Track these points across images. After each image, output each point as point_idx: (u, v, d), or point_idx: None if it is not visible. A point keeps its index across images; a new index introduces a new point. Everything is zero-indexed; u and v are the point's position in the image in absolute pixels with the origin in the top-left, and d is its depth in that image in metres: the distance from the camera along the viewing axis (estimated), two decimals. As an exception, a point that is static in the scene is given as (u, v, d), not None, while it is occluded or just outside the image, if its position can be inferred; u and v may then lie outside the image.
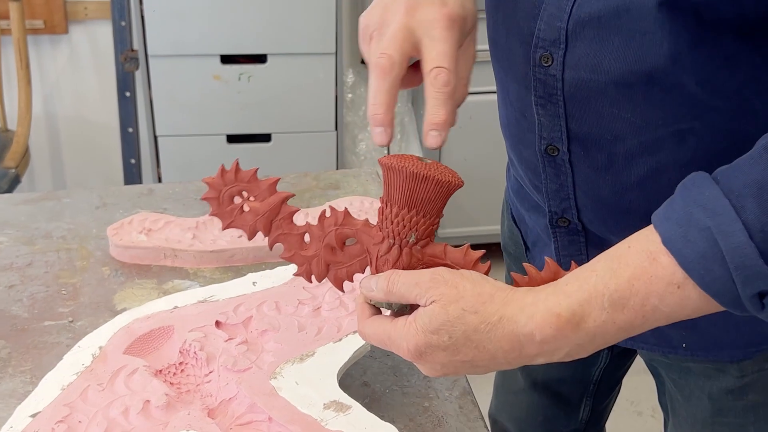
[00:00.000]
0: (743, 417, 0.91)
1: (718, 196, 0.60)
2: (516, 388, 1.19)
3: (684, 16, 0.66)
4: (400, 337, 0.68)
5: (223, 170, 0.80)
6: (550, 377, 1.15)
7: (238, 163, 0.80)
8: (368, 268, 0.76)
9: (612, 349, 1.10)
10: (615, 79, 0.72)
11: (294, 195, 0.81)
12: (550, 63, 0.75)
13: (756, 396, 0.89)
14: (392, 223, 0.72)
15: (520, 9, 0.76)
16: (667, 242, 0.62)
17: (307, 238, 0.78)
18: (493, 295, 0.66)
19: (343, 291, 0.79)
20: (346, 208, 0.77)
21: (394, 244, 0.73)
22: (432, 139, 0.71)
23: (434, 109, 0.70)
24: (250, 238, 0.80)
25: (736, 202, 0.59)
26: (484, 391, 1.09)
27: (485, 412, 1.01)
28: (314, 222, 0.78)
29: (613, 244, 0.66)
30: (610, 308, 0.63)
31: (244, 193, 0.80)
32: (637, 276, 0.63)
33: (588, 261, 0.67)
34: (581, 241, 0.87)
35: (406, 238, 0.72)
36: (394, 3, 0.73)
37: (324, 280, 0.78)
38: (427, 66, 0.70)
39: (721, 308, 0.63)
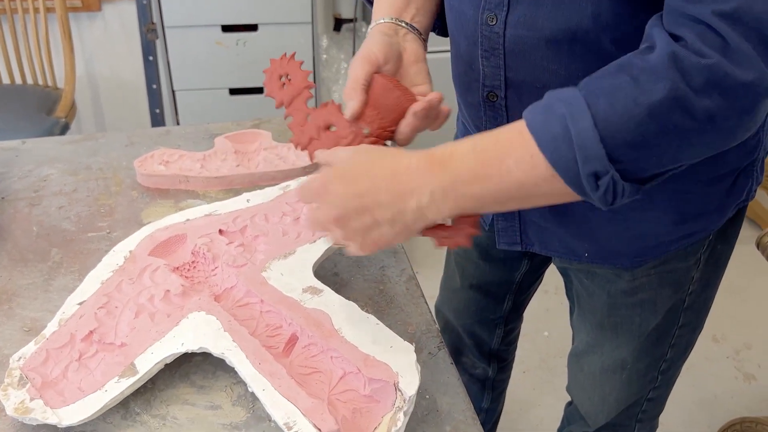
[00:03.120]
0: (632, 310, 0.92)
1: (576, 94, 0.59)
2: (456, 287, 1.18)
3: None
4: (314, 178, 0.68)
5: (283, 57, 0.83)
6: (483, 281, 1.14)
7: (294, 55, 0.82)
8: None
9: (532, 258, 1.09)
10: (547, 36, 0.70)
11: (315, 86, 0.83)
12: (494, 22, 0.73)
13: (643, 295, 0.90)
14: (359, 119, 0.75)
15: None
16: (529, 125, 0.61)
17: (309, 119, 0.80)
18: (391, 149, 0.68)
19: (312, 161, 0.78)
20: (339, 105, 0.78)
21: (354, 132, 0.75)
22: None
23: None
24: (277, 106, 0.82)
25: (590, 99, 0.58)
26: (429, 294, 1.09)
27: (431, 304, 1.01)
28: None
29: None
30: (473, 154, 0.62)
31: (288, 77, 0.82)
32: (502, 140, 0.62)
33: None
34: None
35: (362, 129, 0.74)
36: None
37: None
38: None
39: (565, 194, 0.61)
